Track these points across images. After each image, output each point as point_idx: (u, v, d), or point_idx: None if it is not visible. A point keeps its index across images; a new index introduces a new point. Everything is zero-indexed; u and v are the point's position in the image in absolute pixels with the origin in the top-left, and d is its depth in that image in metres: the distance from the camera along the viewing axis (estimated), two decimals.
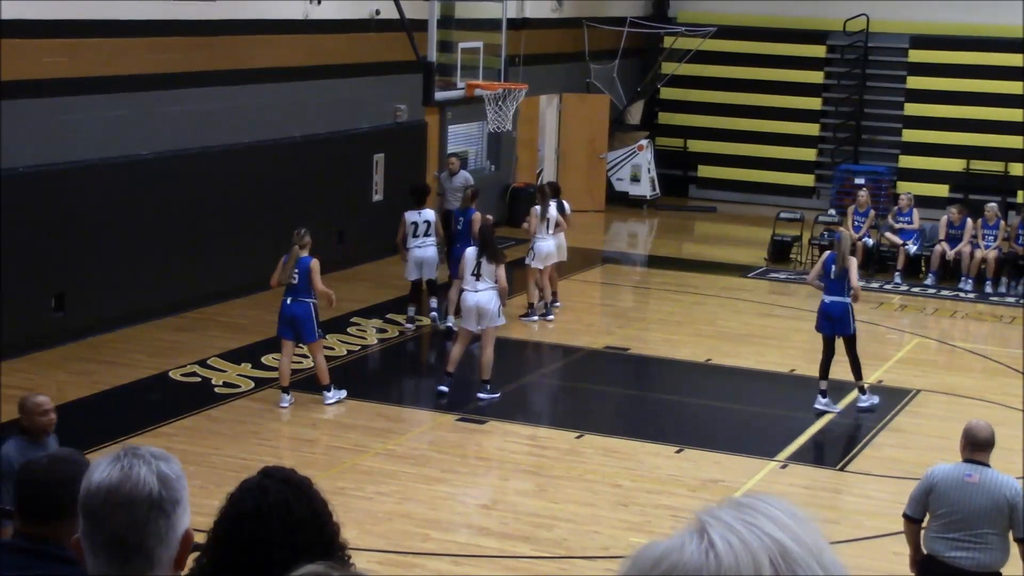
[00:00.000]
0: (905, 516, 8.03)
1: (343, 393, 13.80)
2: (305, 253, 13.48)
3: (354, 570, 2.65)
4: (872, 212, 21.68)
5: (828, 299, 13.92)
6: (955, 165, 25.32)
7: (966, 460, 7.93)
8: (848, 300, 13.79)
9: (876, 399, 14.34)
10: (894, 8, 25.75)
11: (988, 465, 7.89)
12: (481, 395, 14.04)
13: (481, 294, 13.96)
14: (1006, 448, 13.20)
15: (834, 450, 13.18)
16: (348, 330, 16.53)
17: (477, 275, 14.02)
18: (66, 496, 3.40)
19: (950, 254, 20.77)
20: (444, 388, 14.19)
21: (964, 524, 7.70)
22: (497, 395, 14.09)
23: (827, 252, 14.82)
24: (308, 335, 13.49)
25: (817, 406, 14.07)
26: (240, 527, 3.38)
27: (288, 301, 13.48)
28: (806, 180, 26.81)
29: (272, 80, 18.16)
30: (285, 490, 3.46)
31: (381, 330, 16.73)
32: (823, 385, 14.07)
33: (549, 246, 17.15)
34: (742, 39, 26.67)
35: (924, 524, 8.01)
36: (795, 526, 1.49)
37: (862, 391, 14.26)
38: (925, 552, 7.96)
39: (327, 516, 3.48)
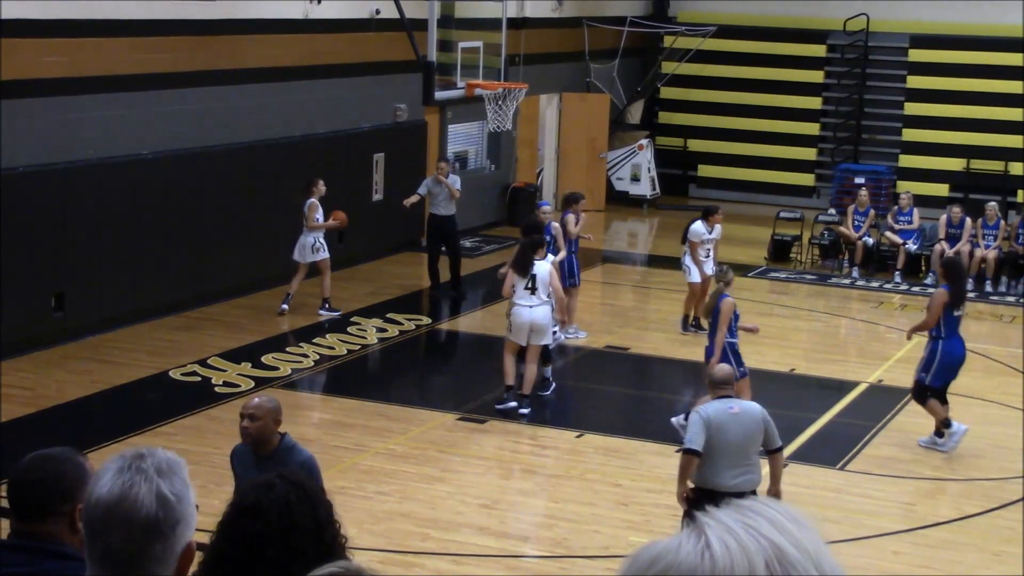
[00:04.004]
0: (693, 451, 8.80)
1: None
2: (727, 291, 12.92)
3: (367, 571, 2.65)
4: (872, 211, 21.68)
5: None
6: (955, 164, 25.32)
7: (718, 398, 8.96)
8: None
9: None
10: (894, 8, 25.76)
11: (735, 396, 9.07)
12: (523, 410, 13.49)
13: (536, 309, 13.35)
14: (1006, 448, 13.22)
15: (834, 449, 13.17)
16: (348, 330, 16.53)
17: (532, 289, 13.39)
18: (50, 494, 3.39)
19: (949, 253, 20.77)
20: (525, 411, 13.48)
21: (740, 451, 8.78)
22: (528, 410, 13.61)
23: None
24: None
25: None
26: (240, 520, 3.40)
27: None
28: (806, 179, 26.82)
29: (272, 80, 18.16)
30: (291, 492, 3.48)
31: (381, 330, 16.73)
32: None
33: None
34: (742, 38, 26.67)
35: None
36: (794, 530, 1.50)
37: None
38: (701, 488, 8.80)
39: (328, 525, 3.48)
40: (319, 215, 16.88)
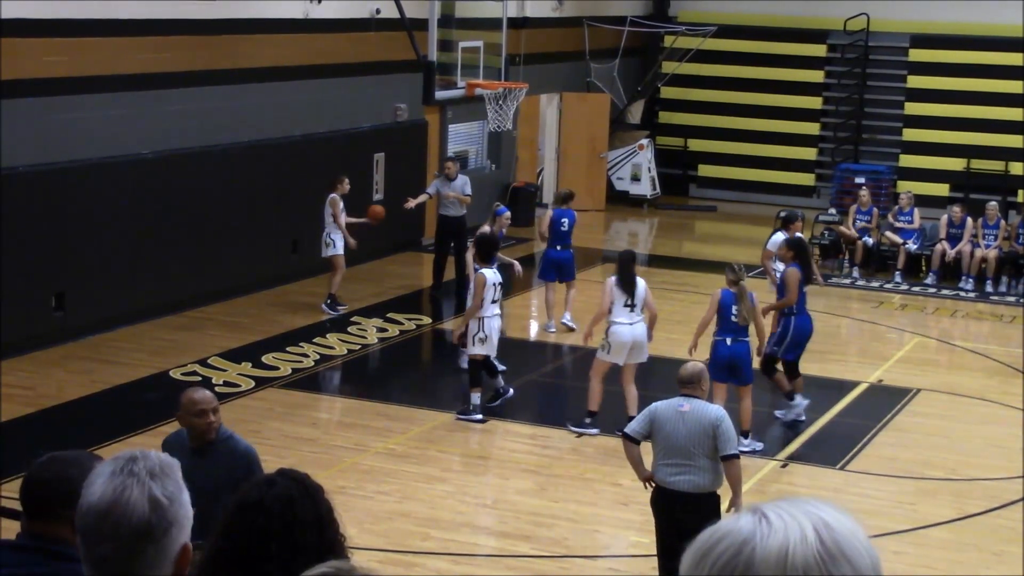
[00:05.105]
0: (625, 435, 9.16)
1: (759, 445, 12.84)
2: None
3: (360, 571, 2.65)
4: (875, 211, 21.67)
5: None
6: (955, 164, 25.33)
7: (681, 395, 8.97)
8: None
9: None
10: (894, 7, 25.76)
11: (698, 397, 8.94)
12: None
13: (637, 326, 12.94)
14: (1006, 447, 13.22)
15: (834, 449, 13.18)
16: (348, 329, 16.53)
17: (631, 305, 12.93)
18: (53, 497, 3.39)
19: (950, 254, 20.78)
20: (594, 431, 13.09)
21: (680, 450, 8.79)
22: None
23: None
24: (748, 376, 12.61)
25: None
26: (243, 516, 3.41)
27: (728, 341, 12.57)
28: (806, 179, 26.82)
29: (272, 80, 18.17)
30: (292, 488, 3.49)
31: (381, 329, 16.73)
32: None
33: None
34: (742, 38, 26.68)
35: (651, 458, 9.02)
36: (833, 510, 1.78)
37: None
38: (656, 485, 8.99)
39: (329, 522, 3.49)
40: (339, 213, 16.94)
